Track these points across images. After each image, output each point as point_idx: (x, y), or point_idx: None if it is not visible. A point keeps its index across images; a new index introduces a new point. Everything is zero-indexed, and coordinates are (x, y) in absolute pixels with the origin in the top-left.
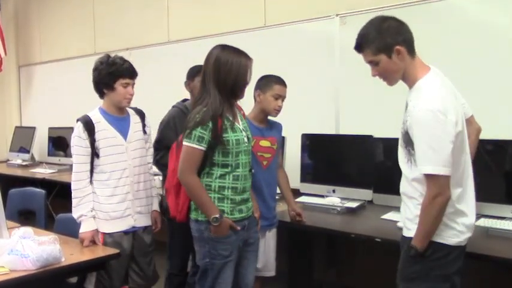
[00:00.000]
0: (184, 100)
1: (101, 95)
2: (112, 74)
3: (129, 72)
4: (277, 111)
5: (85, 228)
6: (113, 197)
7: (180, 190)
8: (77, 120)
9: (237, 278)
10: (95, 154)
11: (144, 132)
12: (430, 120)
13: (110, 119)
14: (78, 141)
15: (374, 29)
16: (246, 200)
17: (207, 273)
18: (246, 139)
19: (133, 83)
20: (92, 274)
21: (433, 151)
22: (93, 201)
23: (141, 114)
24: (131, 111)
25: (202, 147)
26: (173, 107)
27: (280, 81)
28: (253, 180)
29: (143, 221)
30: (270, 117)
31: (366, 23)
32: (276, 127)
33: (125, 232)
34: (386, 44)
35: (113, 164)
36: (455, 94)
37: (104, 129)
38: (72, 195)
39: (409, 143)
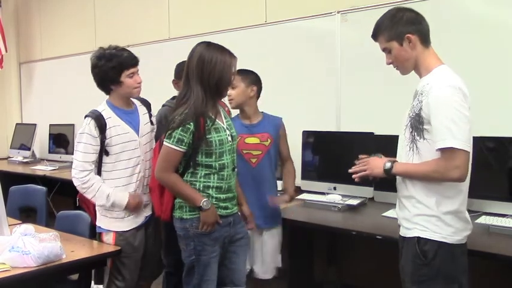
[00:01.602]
0: (174, 98)
1: (108, 91)
2: (115, 68)
3: (131, 61)
4: (229, 100)
5: (123, 199)
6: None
7: (164, 189)
8: (86, 116)
9: (228, 274)
10: (104, 152)
11: (152, 122)
12: (451, 95)
13: (120, 113)
14: (89, 139)
15: (388, 18)
16: (231, 198)
17: (192, 270)
18: (229, 138)
19: (138, 70)
20: (106, 272)
21: (457, 126)
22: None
23: (146, 104)
24: (137, 102)
25: (181, 149)
26: (163, 105)
27: None
28: (240, 178)
29: (150, 211)
30: (268, 112)
31: (384, 13)
32: (271, 122)
33: (137, 228)
34: (397, 31)
35: (126, 161)
36: None
37: (116, 125)
38: (85, 192)
39: (417, 127)
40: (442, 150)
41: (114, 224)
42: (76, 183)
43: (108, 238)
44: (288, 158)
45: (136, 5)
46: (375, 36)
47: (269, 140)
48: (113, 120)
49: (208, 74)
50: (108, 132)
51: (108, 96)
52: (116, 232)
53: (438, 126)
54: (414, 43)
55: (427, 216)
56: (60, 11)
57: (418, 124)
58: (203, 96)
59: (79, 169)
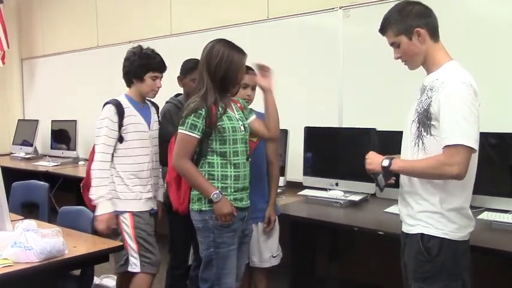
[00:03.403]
0: (177, 95)
1: (129, 84)
2: (143, 66)
3: (159, 66)
4: (247, 100)
5: (103, 210)
6: (137, 180)
7: (180, 182)
8: (106, 103)
9: None
10: (118, 138)
11: (159, 122)
12: (464, 92)
13: (136, 105)
14: (109, 123)
15: (397, 12)
16: (246, 188)
17: (211, 263)
18: (242, 128)
19: (162, 76)
20: (136, 257)
21: (467, 123)
22: (118, 184)
23: (155, 106)
24: (148, 102)
25: (195, 134)
26: (167, 102)
27: (247, 70)
28: None
29: (155, 205)
30: (256, 108)
31: (392, 7)
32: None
33: (149, 213)
34: (407, 25)
35: (139, 149)
36: None
37: (133, 115)
38: (95, 175)
39: (424, 123)
40: (448, 147)
41: (128, 204)
42: (94, 172)
43: (125, 218)
44: (273, 161)
45: (138, 0)
46: (383, 30)
47: (257, 137)
48: (130, 110)
49: (214, 68)
50: (125, 120)
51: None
52: (132, 212)
53: (449, 123)
54: (424, 37)
55: (431, 212)
56: (62, 7)
57: (425, 120)
58: (213, 87)
59: (100, 159)
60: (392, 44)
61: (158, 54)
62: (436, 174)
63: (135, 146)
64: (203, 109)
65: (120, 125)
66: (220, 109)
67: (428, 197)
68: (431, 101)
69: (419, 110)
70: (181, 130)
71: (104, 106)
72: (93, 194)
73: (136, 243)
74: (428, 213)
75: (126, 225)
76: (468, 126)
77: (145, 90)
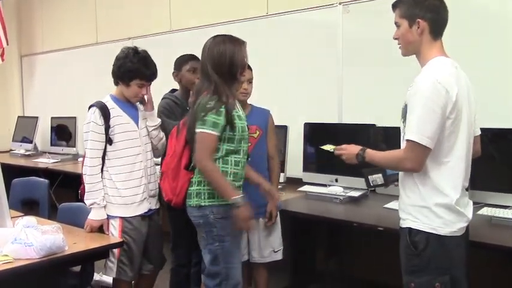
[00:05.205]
0: (173, 90)
1: (115, 83)
2: (132, 72)
3: (149, 76)
4: (244, 94)
5: (95, 216)
6: (129, 182)
7: (178, 174)
8: (91, 106)
9: None
10: (107, 140)
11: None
12: (427, 90)
13: (122, 105)
14: (95, 127)
15: None
16: (240, 188)
17: (217, 258)
18: (247, 127)
19: (150, 84)
20: (113, 262)
21: (423, 121)
22: (109, 188)
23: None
24: None
25: (216, 132)
26: (163, 98)
27: None
28: None
29: (156, 204)
30: (255, 104)
31: None
32: (260, 114)
33: (142, 216)
34: (412, 13)
35: (128, 150)
36: (469, 93)
37: (119, 116)
38: (86, 180)
39: (405, 119)
40: (407, 141)
41: (119, 210)
42: (85, 178)
43: (115, 224)
44: (274, 155)
45: None
46: (394, 6)
47: (258, 132)
48: (116, 110)
49: (219, 64)
50: (111, 121)
51: (109, 92)
52: (123, 218)
53: (409, 119)
54: (422, 30)
55: (419, 207)
56: (62, 4)
57: (405, 115)
58: (223, 84)
59: (89, 165)
60: (395, 23)
61: (151, 63)
62: (395, 167)
63: (124, 147)
64: (223, 106)
65: (107, 127)
66: (235, 107)
67: (416, 190)
68: (407, 96)
69: (403, 106)
70: (202, 129)
71: (88, 109)
72: (87, 199)
73: (118, 249)
74: (417, 207)
75: (114, 228)
76: (424, 124)
77: (128, 95)
